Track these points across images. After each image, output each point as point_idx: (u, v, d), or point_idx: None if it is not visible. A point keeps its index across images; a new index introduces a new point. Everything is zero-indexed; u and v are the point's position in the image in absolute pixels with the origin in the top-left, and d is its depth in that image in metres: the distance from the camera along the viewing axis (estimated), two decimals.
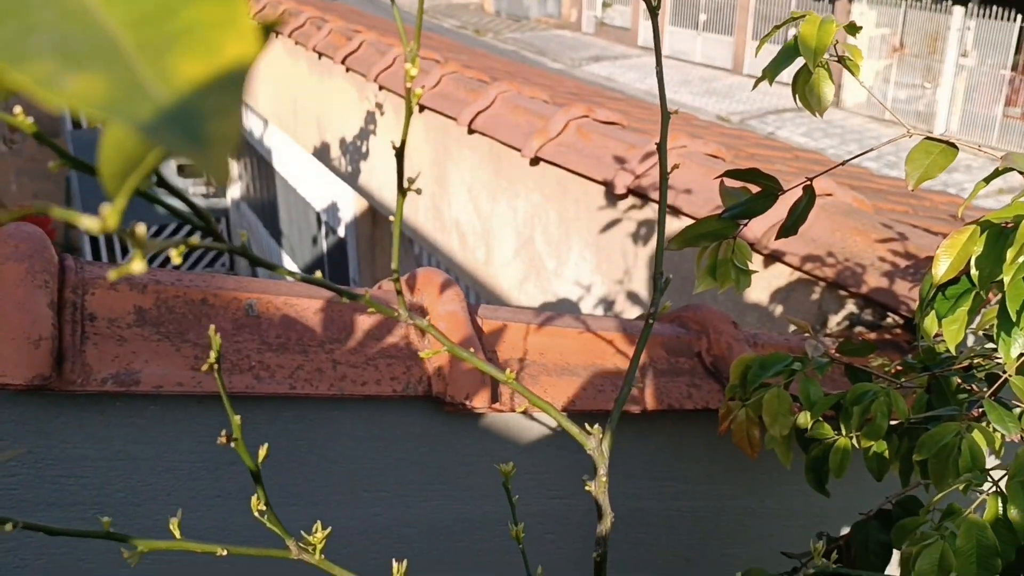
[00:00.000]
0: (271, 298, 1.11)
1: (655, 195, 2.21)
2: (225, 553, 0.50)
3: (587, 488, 0.60)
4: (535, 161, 2.65)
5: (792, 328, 1.73)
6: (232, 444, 0.49)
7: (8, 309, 0.91)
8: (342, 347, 1.12)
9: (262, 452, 0.52)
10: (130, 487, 1.05)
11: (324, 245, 6.73)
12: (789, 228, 0.93)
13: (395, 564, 0.54)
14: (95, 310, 1.00)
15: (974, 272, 0.78)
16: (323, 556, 0.51)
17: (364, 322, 1.16)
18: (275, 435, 1.11)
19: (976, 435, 0.83)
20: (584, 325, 1.33)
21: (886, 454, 0.94)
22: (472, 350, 1.16)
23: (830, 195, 1.89)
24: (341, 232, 6.15)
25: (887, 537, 0.92)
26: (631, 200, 2.34)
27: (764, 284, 1.94)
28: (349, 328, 1.14)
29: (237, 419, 0.48)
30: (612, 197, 2.39)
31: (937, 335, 0.91)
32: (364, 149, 3.82)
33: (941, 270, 0.80)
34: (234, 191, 9.18)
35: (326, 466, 1.16)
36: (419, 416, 1.18)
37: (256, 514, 0.52)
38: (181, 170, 8.78)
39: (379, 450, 1.18)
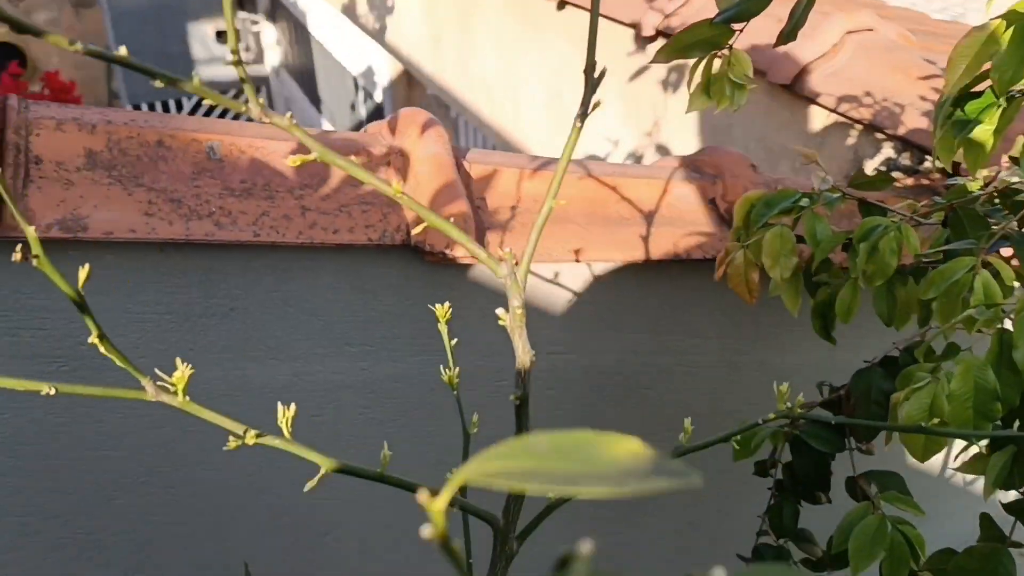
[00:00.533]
0: (235, 140, 1.03)
1: None
2: (53, 392, 0.44)
3: (500, 321, 0.53)
4: (561, 4, 2.49)
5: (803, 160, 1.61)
6: (34, 262, 0.42)
7: None
8: (313, 193, 1.04)
9: (81, 275, 0.45)
10: None
11: (363, 111, 6.60)
12: (788, 34, 0.81)
13: (280, 409, 0.48)
14: (41, 152, 0.93)
15: (993, 75, 0.66)
16: (187, 398, 0.45)
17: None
18: (248, 286, 1.05)
19: (992, 273, 0.73)
20: (584, 170, 1.23)
21: (897, 296, 0.84)
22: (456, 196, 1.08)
23: (870, 30, 1.73)
24: (378, 97, 6.01)
25: (892, 385, 0.84)
26: (660, 43, 2.18)
27: (797, 129, 1.80)
28: (322, 173, 1.06)
29: (31, 230, 0.41)
30: (640, 40, 2.23)
31: (960, 167, 0.80)
32: (390, 3, 3.65)
33: (955, 75, 0.68)
34: (273, 58, 9.01)
35: (306, 319, 1.10)
36: (400, 267, 1.11)
37: (102, 350, 0.46)
38: (219, 36, 8.62)
39: (362, 303, 1.11)
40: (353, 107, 6.79)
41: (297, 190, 1.04)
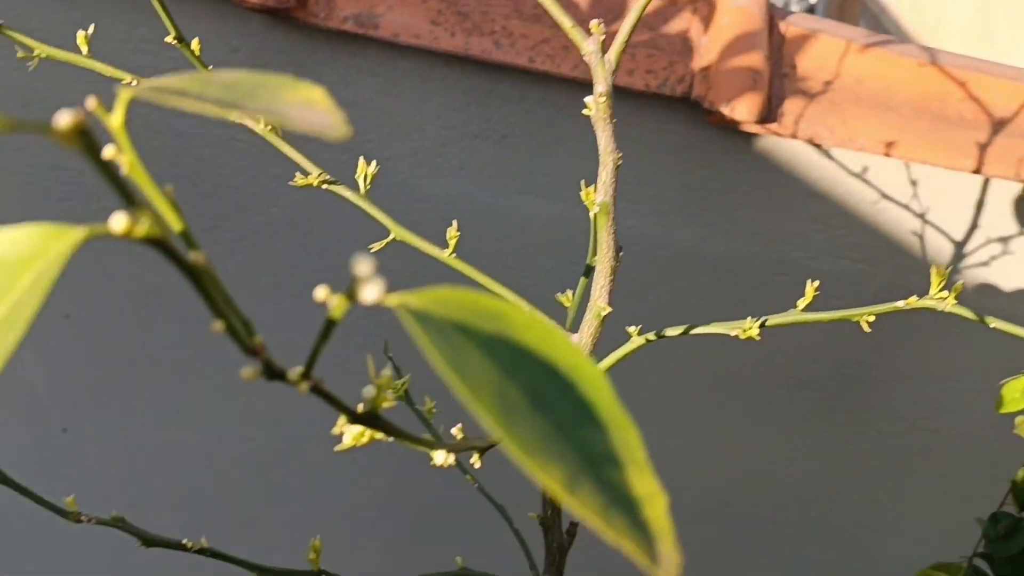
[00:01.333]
0: None
1: None
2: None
3: (585, 111, 0.46)
4: None
5: None
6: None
7: None
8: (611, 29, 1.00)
9: None
10: (379, 139, 1.07)
11: (795, 7, 6.25)
12: None
13: (360, 163, 0.46)
14: None
15: None
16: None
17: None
18: (522, 115, 1.06)
19: None
20: (928, 56, 1.05)
21: None
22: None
23: None
24: None
25: None
26: None
27: None
28: (618, 11, 1.02)
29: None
30: None
31: None
32: None
33: None
34: None
35: (576, 162, 1.08)
36: (683, 125, 1.04)
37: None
38: None
39: (635, 154, 1.07)
40: (787, 3, 6.45)
41: (586, 23, 1.00)
